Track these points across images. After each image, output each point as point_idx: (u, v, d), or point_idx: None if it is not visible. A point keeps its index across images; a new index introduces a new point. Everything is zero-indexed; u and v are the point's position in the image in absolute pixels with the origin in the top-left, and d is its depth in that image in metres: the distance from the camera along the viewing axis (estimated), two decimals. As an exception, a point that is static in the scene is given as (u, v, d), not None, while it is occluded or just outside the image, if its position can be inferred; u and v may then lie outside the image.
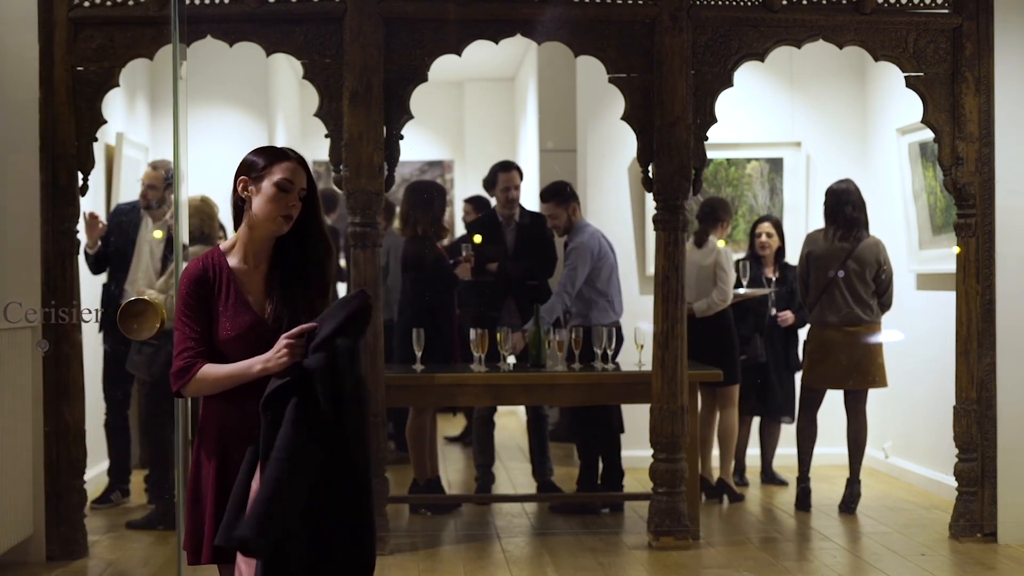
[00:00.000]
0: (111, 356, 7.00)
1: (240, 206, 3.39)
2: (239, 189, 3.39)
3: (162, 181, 6.71)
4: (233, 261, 3.36)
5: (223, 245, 3.41)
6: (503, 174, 7.43)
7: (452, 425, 10.38)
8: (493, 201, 7.81)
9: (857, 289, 7.01)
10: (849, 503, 7.03)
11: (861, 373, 7.07)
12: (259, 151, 3.43)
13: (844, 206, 7.04)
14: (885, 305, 7.14)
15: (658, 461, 6.22)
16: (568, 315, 7.16)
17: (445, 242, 7.97)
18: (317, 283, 3.39)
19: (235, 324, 3.29)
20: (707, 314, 7.34)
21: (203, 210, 6.68)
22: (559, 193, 7.19)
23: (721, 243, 7.47)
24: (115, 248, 6.88)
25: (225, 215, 7.68)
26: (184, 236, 4.88)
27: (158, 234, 6.69)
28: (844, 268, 7.00)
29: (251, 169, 3.39)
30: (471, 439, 8.21)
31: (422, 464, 7.22)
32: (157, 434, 6.78)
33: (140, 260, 6.86)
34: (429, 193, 7.36)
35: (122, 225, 6.93)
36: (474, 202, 9.96)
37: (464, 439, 9.89)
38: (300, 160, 3.43)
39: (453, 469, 8.66)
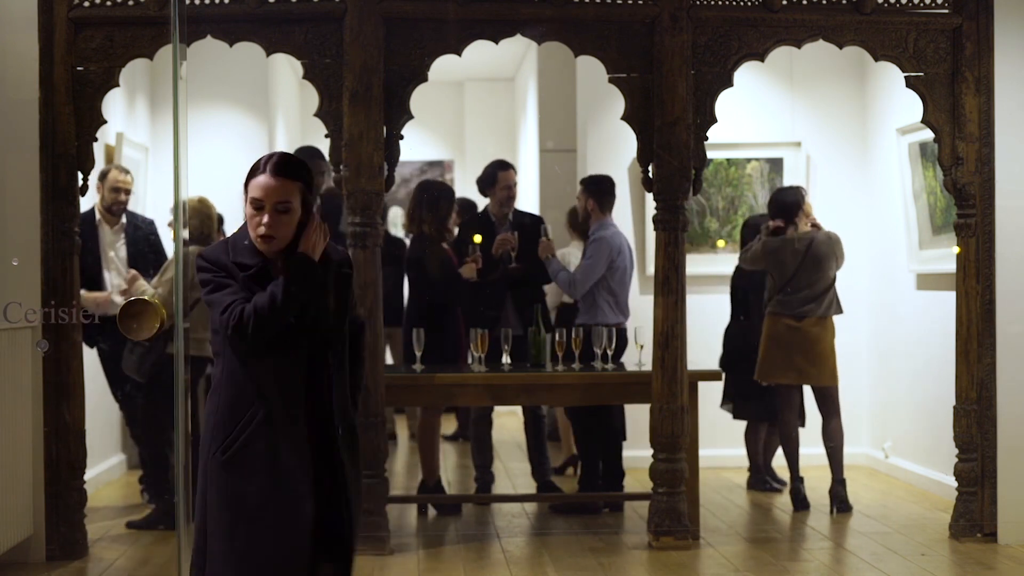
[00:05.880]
0: (108, 356, 6.98)
1: None
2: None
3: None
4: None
5: None
6: (503, 173, 7.39)
7: (446, 424, 10.34)
8: (483, 202, 7.76)
9: (814, 285, 7.02)
10: (838, 504, 7.01)
11: (811, 369, 7.08)
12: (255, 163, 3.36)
13: (792, 207, 7.10)
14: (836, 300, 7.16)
15: (658, 461, 6.22)
16: (576, 309, 7.17)
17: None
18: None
19: None
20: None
21: (201, 211, 6.68)
22: (591, 183, 7.31)
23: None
24: (87, 260, 6.78)
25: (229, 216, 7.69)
26: (184, 236, 4.88)
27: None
28: (803, 265, 7.01)
29: (244, 185, 3.33)
30: (465, 436, 8.18)
31: (431, 464, 7.20)
32: (153, 434, 6.77)
33: (110, 267, 6.87)
34: (436, 193, 7.31)
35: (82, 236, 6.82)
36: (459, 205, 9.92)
37: (456, 437, 9.87)
38: (279, 170, 3.27)
39: (453, 469, 8.65)
